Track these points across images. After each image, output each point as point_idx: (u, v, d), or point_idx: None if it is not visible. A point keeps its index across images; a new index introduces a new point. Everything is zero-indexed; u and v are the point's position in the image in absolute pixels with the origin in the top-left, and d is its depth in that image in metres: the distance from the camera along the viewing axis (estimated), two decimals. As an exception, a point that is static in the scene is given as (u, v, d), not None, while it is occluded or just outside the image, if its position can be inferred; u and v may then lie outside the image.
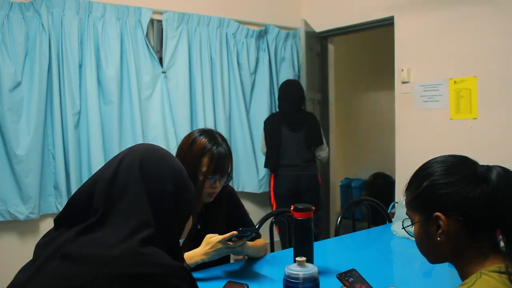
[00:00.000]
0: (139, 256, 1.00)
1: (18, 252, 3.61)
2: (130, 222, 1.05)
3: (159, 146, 1.22)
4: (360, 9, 4.64)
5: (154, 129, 4.13)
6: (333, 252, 2.31)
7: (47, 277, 1.00)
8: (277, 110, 4.51)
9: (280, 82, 4.89)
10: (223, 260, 2.05)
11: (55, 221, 1.13)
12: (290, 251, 2.03)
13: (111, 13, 3.89)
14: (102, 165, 3.43)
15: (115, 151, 3.85)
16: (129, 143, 3.93)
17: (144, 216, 1.07)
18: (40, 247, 1.10)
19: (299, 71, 5.06)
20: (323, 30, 5.08)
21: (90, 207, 1.08)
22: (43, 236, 1.13)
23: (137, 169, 1.12)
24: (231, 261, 2.19)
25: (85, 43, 3.78)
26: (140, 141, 3.94)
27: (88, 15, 3.80)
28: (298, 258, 1.47)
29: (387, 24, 4.44)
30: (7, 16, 3.48)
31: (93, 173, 1.18)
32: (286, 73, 4.95)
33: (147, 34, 4.11)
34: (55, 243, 1.06)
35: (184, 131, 4.08)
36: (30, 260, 1.10)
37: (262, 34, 4.82)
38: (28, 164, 3.52)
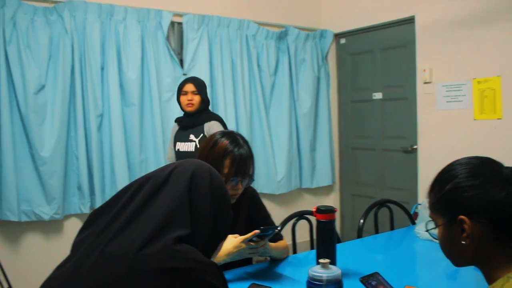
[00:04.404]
0: (174, 252, 1.04)
1: (44, 251, 3.70)
2: (169, 222, 1.09)
3: (210, 166, 1.28)
4: (380, 9, 4.60)
5: (175, 131, 4.16)
6: (356, 254, 2.29)
7: (87, 274, 1.04)
8: (297, 110, 4.50)
9: (300, 83, 4.90)
10: (245, 261, 2.05)
11: (94, 213, 1.17)
12: (312, 252, 2.02)
13: (132, 16, 3.93)
14: (125, 166, 3.48)
15: (136, 152, 3.90)
16: (150, 145, 3.99)
17: (183, 220, 1.11)
18: (78, 244, 1.13)
19: (319, 72, 5.04)
20: (343, 31, 5.06)
21: (132, 202, 1.13)
22: (79, 232, 1.16)
23: (187, 179, 1.17)
24: (253, 262, 2.19)
25: (107, 46, 3.82)
26: (161, 143, 3.99)
27: (110, 19, 3.84)
28: (321, 260, 1.46)
29: (407, 23, 4.40)
30: (31, 20, 3.54)
31: (147, 173, 1.23)
32: (306, 75, 4.94)
33: (167, 37, 4.14)
34: (94, 240, 1.09)
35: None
36: (68, 257, 1.13)
37: (282, 35, 4.81)
38: (52, 165, 3.57)
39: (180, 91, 3.48)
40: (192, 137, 3.43)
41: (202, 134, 3.40)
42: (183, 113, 3.56)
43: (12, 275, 3.20)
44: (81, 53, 3.73)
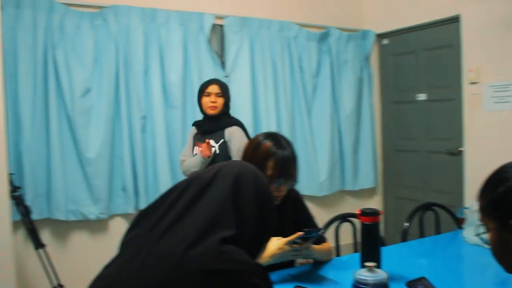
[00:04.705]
0: (220, 253, 1.04)
1: (90, 249, 3.80)
2: (215, 223, 1.09)
3: (254, 167, 1.28)
4: (424, 9, 4.50)
5: (217, 132, 4.18)
6: (401, 258, 2.24)
7: (133, 274, 1.05)
8: (339, 112, 4.45)
9: (343, 84, 4.85)
10: (288, 263, 2.04)
11: (141, 214, 1.19)
12: (356, 255, 2.00)
13: (174, 20, 3.98)
14: (167, 167, 3.51)
15: (179, 153, 3.93)
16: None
17: (228, 221, 1.11)
18: (126, 244, 1.16)
19: (361, 74, 4.98)
20: (385, 32, 4.99)
21: (178, 203, 1.14)
22: (127, 232, 1.18)
23: (232, 180, 1.17)
24: (296, 264, 2.18)
25: (149, 49, 3.89)
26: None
27: (153, 22, 3.91)
28: (367, 264, 1.44)
29: (452, 23, 4.30)
30: (77, 25, 3.65)
31: (189, 175, 1.25)
32: (348, 76, 4.89)
33: (209, 39, 4.17)
34: (141, 240, 1.11)
35: (246, 135, 4.12)
36: (116, 256, 1.15)
37: (323, 36, 4.78)
38: (98, 166, 3.66)
39: (202, 92, 3.26)
40: (212, 142, 3.18)
41: (222, 140, 3.18)
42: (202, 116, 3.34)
43: (61, 272, 3.29)
44: (125, 56, 3.81)
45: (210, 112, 3.23)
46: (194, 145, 3.31)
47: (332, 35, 4.81)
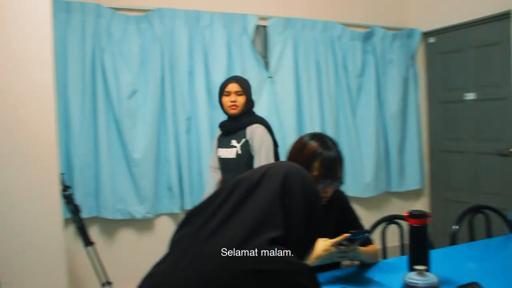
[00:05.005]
0: (268, 253, 1.05)
1: (137, 247, 3.89)
2: (263, 223, 1.09)
3: (302, 168, 1.27)
4: (472, 5, 4.38)
5: (261, 133, 4.18)
6: (451, 262, 2.18)
7: (182, 273, 1.07)
8: (385, 112, 4.38)
9: (388, 84, 4.78)
10: (334, 265, 2.02)
11: (189, 214, 1.21)
12: (403, 258, 1.96)
13: (218, 21, 4.02)
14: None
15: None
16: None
17: (276, 222, 1.11)
18: (175, 243, 1.18)
19: (406, 73, 4.88)
20: (431, 30, 4.87)
21: (226, 204, 1.15)
22: (176, 231, 1.20)
23: (280, 181, 1.17)
24: (342, 266, 2.15)
25: (194, 51, 3.94)
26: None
27: (197, 24, 3.95)
28: (418, 267, 1.41)
29: (502, 19, 4.15)
30: (124, 29, 3.73)
31: (237, 176, 1.25)
32: (393, 76, 4.80)
33: (253, 40, 4.18)
34: (190, 240, 1.13)
35: (291, 135, 4.11)
36: (165, 255, 1.17)
37: (368, 36, 4.72)
38: (144, 167, 3.74)
39: (222, 91, 3.12)
40: (233, 142, 3.08)
41: (244, 139, 3.05)
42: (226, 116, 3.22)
43: (108, 269, 3.36)
44: (170, 58, 3.86)
45: (231, 112, 3.09)
46: (218, 147, 3.24)
47: (377, 34, 4.74)
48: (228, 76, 3.84)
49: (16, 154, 2.63)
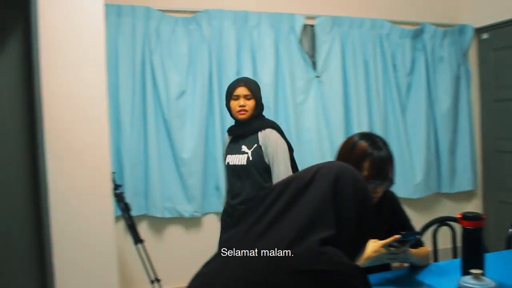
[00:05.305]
0: (319, 253, 1.04)
1: (184, 245, 3.96)
2: (314, 223, 1.09)
3: (353, 168, 1.25)
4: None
5: (309, 132, 4.16)
6: (507, 266, 2.10)
7: (232, 272, 1.08)
8: (435, 111, 4.25)
9: (438, 83, 4.66)
10: (384, 267, 1.99)
11: (240, 213, 1.21)
12: (456, 261, 1.90)
13: (265, 21, 4.03)
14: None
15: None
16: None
17: (327, 221, 1.10)
18: (225, 242, 1.18)
19: (458, 71, 4.74)
20: (485, 25, 4.71)
21: (277, 204, 1.14)
22: (226, 231, 1.21)
23: (331, 180, 1.16)
24: (392, 268, 2.12)
25: (242, 52, 3.96)
26: (293, 144, 4.00)
27: (244, 25, 3.97)
28: (474, 271, 1.36)
29: None
30: (173, 30, 3.80)
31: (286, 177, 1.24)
32: (444, 74, 4.67)
33: (300, 39, 4.17)
34: (240, 239, 1.14)
35: (338, 135, 4.08)
36: (215, 254, 1.18)
37: (417, 33, 4.61)
38: (192, 166, 3.79)
39: (230, 95, 2.85)
40: (244, 148, 2.83)
41: (256, 145, 2.81)
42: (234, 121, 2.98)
43: (157, 266, 3.42)
44: (217, 59, 3.90)
45: (240, 117, 2.83)
46: (226, 154, 2.98)
47: (427, 31, 4.63)
48: (274, 76, 3.82)
49: (70, 153, 2.71)
